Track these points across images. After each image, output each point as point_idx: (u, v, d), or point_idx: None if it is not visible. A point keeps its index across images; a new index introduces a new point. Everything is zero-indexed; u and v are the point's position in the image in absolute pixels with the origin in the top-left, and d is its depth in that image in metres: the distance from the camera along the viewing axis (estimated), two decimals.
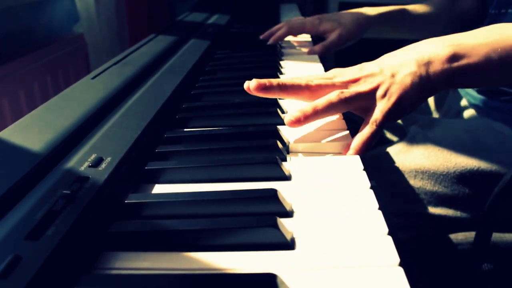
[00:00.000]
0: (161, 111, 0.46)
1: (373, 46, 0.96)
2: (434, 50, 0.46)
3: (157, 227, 0.29)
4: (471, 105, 0.74)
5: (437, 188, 0.57)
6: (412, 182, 0.58)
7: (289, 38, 0.89)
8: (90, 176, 0.32)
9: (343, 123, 0.48)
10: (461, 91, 0.78)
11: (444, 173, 0.57)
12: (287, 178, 0.37)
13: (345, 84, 0.47)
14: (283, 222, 0.30)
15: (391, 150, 0.63)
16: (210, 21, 1.01)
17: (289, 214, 0.32)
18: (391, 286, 0.24)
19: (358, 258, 0.27)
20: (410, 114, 0.80)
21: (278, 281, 0.24)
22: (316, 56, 0.79)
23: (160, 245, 0.29)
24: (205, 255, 0.28)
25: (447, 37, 0.48)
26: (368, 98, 0.45)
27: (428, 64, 0.45)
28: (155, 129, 0.43)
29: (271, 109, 0.49)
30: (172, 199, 0.33)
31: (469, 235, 0.57)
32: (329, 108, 0.44)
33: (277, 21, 1.17)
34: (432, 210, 0.57)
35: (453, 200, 0.57)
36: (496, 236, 0.55)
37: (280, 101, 0.53)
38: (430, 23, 0.88)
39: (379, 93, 0.45)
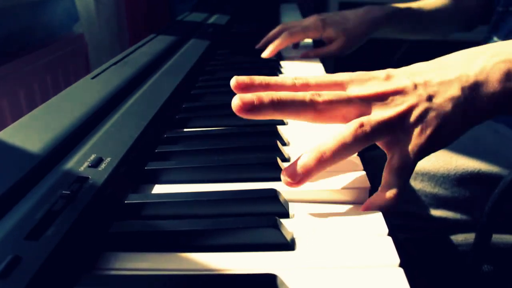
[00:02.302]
0: (161, 111, 0.46)
1: (376, 47, 0.93)
2: (483, 67, 0.35)
3: (157, 227, 0.29)
4: None
5: (437, 190, 0.57)
6: (413, 183, 0.58)
7: None
8: (90, 176, 0.32)
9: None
10: None
11: (445, 175, 0.57)
12: None
13: (366, 100, 0.35)
14: (283, 222, 0.30)
15: None
16: (210, 21, 1.01)
17: (289, 214, 0.32)
18: (391, 287, 0.24)
19: (359, 259, 0.27)
20: None
21: (278, 282, 0.24)
22: None
23: (160, 245, 0.29)
24: (205, 255, 0.28)
25: (494, 47, 0.37)
26: (394, 127, 0.34)
27: (475, 86, 0.34)
28: (155, 129, 0.43)
29: None
30: (172, 199, 0.33)
31: (469, 237, 0.57)
32: (342, 153, 0.32)
33: (277, 21, 1.17)
34: (433, 212, 0.57)
35: (453, 202, 0.57)
36: (496, 237, 0.55)
37: None
38: (436, 21, 0.84)
39: (411, 120, 0.34)
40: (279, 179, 0.37)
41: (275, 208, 0.32)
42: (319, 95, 0.34)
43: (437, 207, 0.57)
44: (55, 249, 0.24)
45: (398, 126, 0.34)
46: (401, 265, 0.26)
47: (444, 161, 0.57)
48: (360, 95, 0.35)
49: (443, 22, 0.85)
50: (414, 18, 0.82)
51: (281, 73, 0.69)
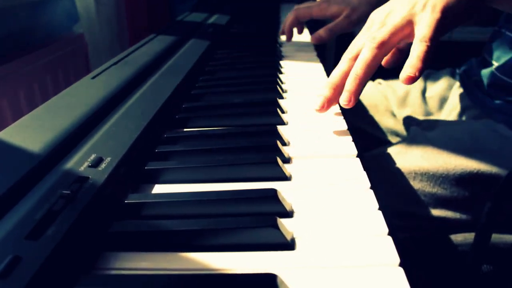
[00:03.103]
0: (161, 111, 0.46)
1: None
2: None
3: (157, 227, 0.29)
4: (474, 106, 0.74)
5: (436, 189, 0.57)
6: (412, 183, 0.58)
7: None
8: (90, 176, 0.32)
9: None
10: (464, 90, 0.78)
11: (444, 174, 0.57)
12: (287, 178, 0.37)
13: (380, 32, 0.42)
14: (283, 222, 0.30)
15: (391, 150, 0.63)
16: (210, 21, 1.01)
17: (289, 214, 0.32)
18: (391, 286, 0.24)
19: (358, 258, 0.27)
20: (410, 115, 0.80)
21: (278, 281, 0.24)
22: (316, 56, 0.79)
23: (160, 245, 0.29)
24: (205, 255, 0.28)
25: None
26: (407, 22, 0.41)
27: None
28: (155, 129, 0.43)
29: (271, 109, 0.49)
30: (172, 199, 0.33)
31: (469, 236, 0.57)
32: (370, 68, 0.41)
33: (277, 21, 1.17)
34: (432, 211, 0.57)
35: (453, 202, 0.57)
36: (496, 237, 0.55)
37: (280, 101, 0.53)
38: None
39: (418, 8, 0.40)
40: (279, 179, 0.37)
41: (275, 208, 0.32)
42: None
43: (437, 206, 0.57)
44: (55, 249, 0.24)
45: (411, 17, 0.40)
46: (401, 265, 0.26)
47: (443, 161, 0.57)
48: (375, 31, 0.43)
49: None
50: None
51: (281, 73, 0.69)
